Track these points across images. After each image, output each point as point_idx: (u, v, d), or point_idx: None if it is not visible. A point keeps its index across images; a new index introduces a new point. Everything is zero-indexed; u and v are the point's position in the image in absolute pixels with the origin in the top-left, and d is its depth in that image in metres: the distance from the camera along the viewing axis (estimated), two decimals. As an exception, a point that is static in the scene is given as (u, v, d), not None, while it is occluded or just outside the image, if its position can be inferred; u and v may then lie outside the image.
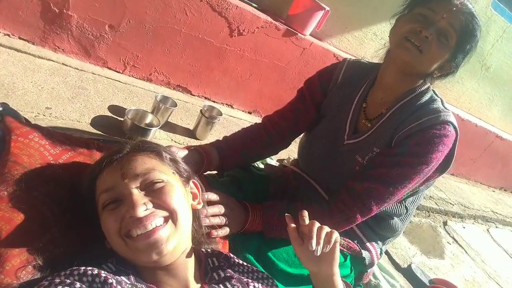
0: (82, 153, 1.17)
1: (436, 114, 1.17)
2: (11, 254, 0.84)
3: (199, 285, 0.86)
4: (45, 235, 0.92)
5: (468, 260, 2.77)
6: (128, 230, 0.77)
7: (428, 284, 2.01)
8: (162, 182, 0.83)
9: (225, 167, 1.37)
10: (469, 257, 2.81)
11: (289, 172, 1.54)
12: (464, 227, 3.33)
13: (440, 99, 1.25)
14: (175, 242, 0.79)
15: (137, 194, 0.79)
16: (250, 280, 0.92)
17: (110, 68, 2.23)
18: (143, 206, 0.77)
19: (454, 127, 1.17)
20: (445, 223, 3.17)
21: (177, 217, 0.80)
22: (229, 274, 0.89)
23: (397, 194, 1.18)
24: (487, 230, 3.59)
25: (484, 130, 4.06)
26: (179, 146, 1.11)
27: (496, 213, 3.92)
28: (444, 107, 1.21)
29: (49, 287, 0.70)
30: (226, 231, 1.11)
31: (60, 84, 1.84)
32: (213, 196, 1.13)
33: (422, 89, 1.23)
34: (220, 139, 1.43)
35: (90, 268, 0.73)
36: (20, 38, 1.95)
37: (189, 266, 0.85)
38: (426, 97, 1.22)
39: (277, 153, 1.51)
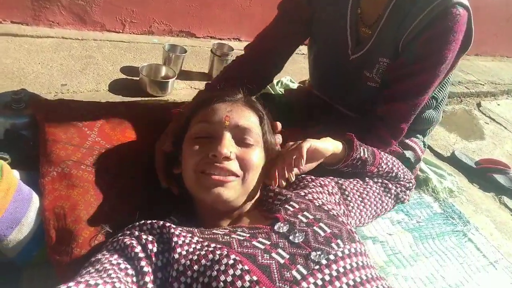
0: (113, 117, 1.16)
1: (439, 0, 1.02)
2: (79, 227, 0.88)
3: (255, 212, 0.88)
4: (104, 204, 0.95)
5: (508, 135, 2.73)
6: (204, 169, 0.80)
7: (475, 166, 2.01)
8: (252, 144, 0.84)
9: None
10: (509, 132, 2.77)
11: (308, 94, 1.50)
12: (498, 104, 3.25)
13: None
14: (233, 197, 0.81)
15: (229, 139, 0.81)
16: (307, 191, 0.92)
17: (109, 30, 2.16)
18: (228, 151, 0.79)
19: (464, 6, 1.03)
20: (478, 105, 3.10)
21: (247, 180, 0.83)
22: (289, 196, 0.88)
23: (421, 103, 1.12)
24: (522, 101, 3.50)
25: (505, 1, 3.81)
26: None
27: (528, 82, 3.80)
28: None
29: (113, 240, 0.75)
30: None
31: (67, 58, 1.81)
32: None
33: None
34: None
35: (149, 221, 0.77)
36: (12, 22, 1.89)
37: (246, 207, 0.88)
38: None
39: (271, 81, 1.42)
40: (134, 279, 0.67)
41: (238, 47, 2.48)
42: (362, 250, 0.76)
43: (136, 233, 0.74)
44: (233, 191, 0.81)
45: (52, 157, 0.98)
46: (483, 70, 3.74)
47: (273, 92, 1.98)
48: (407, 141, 1.41)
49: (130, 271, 0.67)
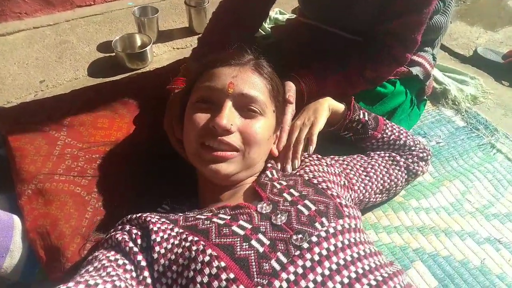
0: (82, 108, 1.10)
1: None
2: (65, 242, 0.86)
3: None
4: (86, 210, 0.92)
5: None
6: (204, 141, 0.75)
7: (502, 61, 1.78)
8: (259, 114, 0.77)
9: None
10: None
11: (298, 25, 1.33)
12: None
13: None
14: (233, 172, 0.76)
15: (230, 110, 0.74)
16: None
17: (80, 6, 2.02)
18: (228, 124, 0.72)
19: None
20: (506, -18, 2.71)
21: (248, 155, 0.76)
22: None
23: (432, 8, 1.01)
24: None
25: None
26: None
27: None
28: None
29: (107, 238, 0.73)
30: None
31: (41, 50, 1.72)
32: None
33: None
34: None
35: (134, 215, 0.74)
36: (-22, 24, 1.82)
37: (248, 182, 0.83)
38: None
39: (268, 14, 1.27)
40: (133, 274, 0.65)
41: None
42: (352, 226, 0.69)
43: (127, 227, 0.72)
44: (233, 166, 0.75)
45: (23, 174, 0.95)
46: None
47: (263, 32, 1.81)
48: (413, 57, 1.26)
49: (129, 267, 0.66)
